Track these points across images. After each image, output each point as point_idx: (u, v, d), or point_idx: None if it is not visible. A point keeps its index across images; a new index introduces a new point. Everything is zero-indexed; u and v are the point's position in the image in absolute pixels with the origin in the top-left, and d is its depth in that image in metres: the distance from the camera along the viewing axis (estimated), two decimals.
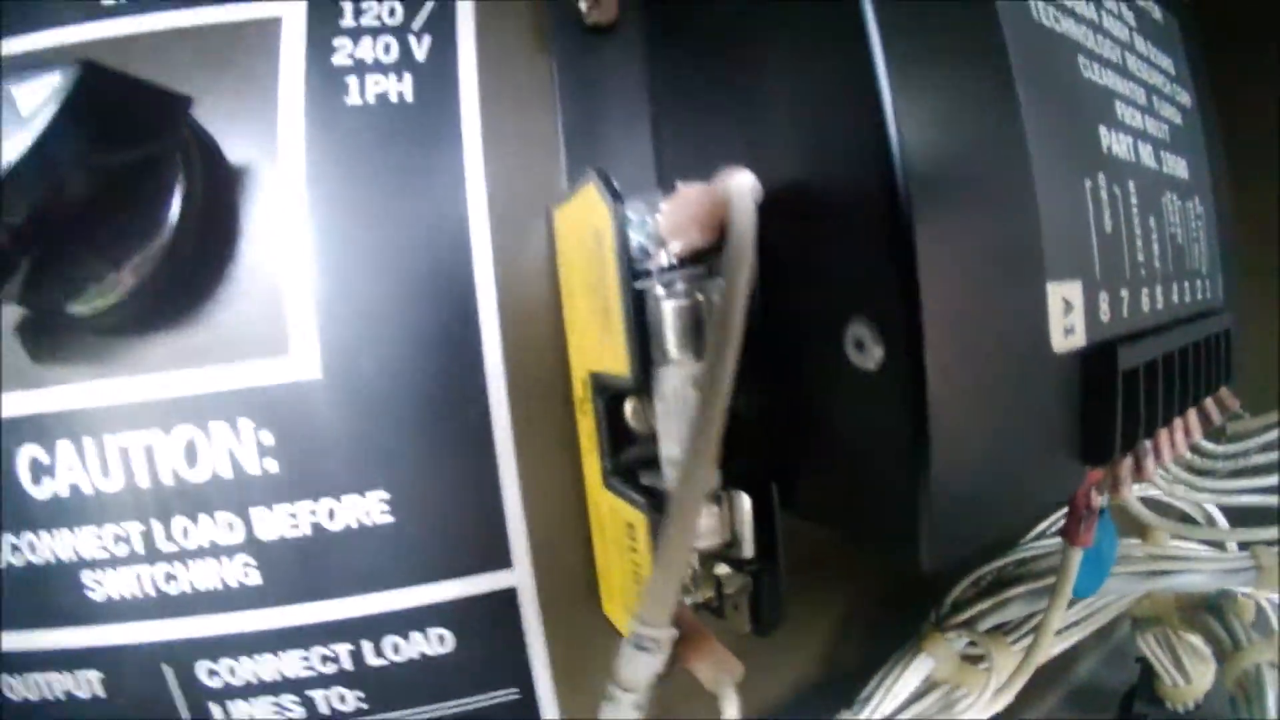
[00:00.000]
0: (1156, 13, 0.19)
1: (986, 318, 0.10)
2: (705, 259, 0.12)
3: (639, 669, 0.10)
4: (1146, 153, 0.16)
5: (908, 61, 0.10)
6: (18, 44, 0.14)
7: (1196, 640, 0.19)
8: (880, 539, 0.11)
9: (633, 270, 0.12)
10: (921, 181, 0.09)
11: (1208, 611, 0.18)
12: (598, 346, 0.13)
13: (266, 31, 0.14)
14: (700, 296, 0.12)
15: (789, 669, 0.17)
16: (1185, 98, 0.20)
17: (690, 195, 0.12)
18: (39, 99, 0.10)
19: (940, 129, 0.10)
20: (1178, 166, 0.18)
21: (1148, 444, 0.15)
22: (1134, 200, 0.15)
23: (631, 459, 0.13)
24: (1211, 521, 0.19)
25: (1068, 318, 0.12)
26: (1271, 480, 0.16)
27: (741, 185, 0.11)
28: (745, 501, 0.12)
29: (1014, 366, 0.11)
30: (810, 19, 0.11)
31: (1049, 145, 0.12)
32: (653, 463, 0.13)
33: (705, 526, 0.12)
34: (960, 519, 0.10)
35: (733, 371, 0.10)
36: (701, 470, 0.10)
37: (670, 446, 0.12)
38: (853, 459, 0.11)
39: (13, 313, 0.13)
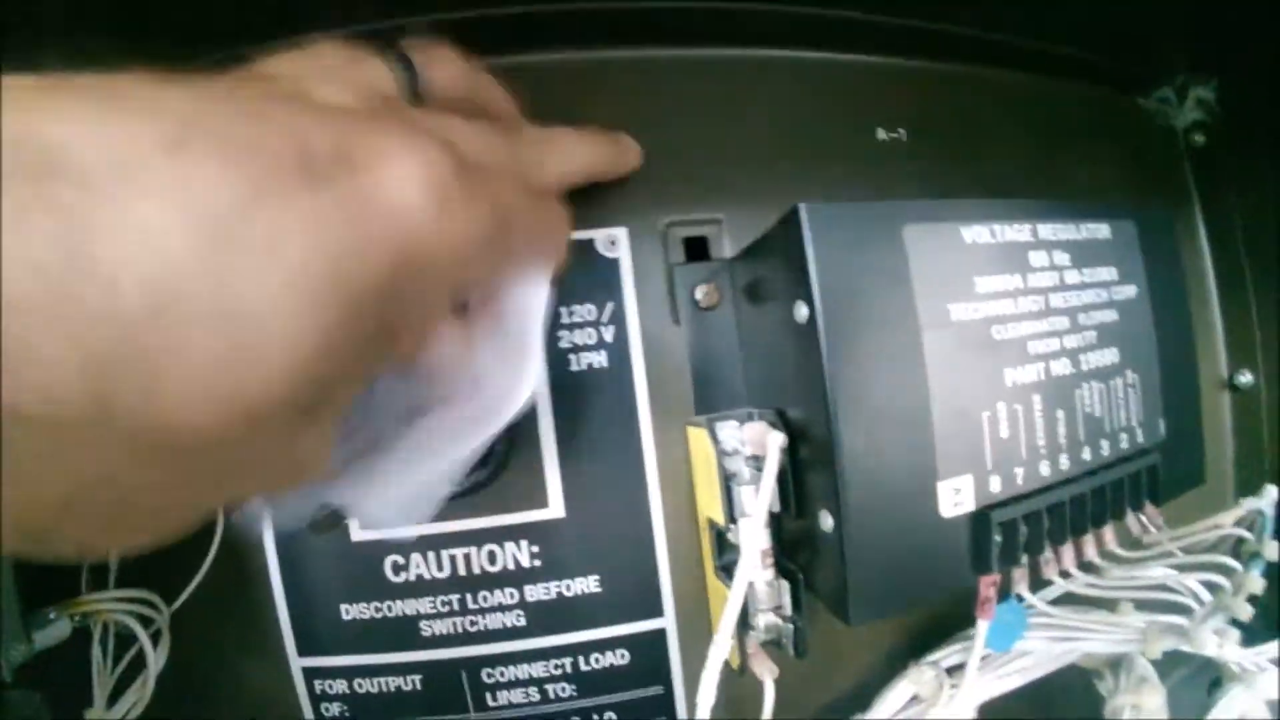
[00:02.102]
0: (1104, 231, 0.32)
1: (892, 503, 0.25)
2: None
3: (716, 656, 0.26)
4: (1060, 366, 0.29)
5: (847, 371, 0.25)
6: None
7: (1145, 676, 0.32)
8: (838, 611, 0.26)
9: (725, 466, 0.29)
10: (850, 445, 0.25)
11: (1109, 665, 0.31)
12: (712, 506, 0.29)
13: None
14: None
15: (833, 690, 0.33)
16: (1129, 291, 0.32)
17: (755, 431, 0.28)
18: None
19: (866, 406, 0.25)
20: (1103, 357, 0.31)
21: (1049, 555, 0.29)
22: (1038, 408, 0.28)
23: (728, 561, 0.30)
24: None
25: (956, 497, 0.26)
26: (1157, 576, 0.29)
27: (773, 441, 0.27)
28: (786, 585, 0.28)
29: (912, 526, 0.25)
30: (795, 340, 0.26)
31: (950, 402, 0.26)
32: None
33: (767, 595, 0.29)
34: (876, 603, 0.26)
35: (763, 525, 0.26)
36: (752, 566, 0.26)
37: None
38: (826, 572, 0.27)
39: None
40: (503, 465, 0.30)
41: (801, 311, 0.25)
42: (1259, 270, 0.43)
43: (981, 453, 0.27)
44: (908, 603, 0.26)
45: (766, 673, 0.28)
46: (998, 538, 0.26)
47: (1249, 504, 0.30)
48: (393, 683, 0.32)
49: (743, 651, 0.28)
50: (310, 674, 0.32)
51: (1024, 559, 0.27)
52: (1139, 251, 0.33)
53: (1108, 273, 0.31)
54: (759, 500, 0.25)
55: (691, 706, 0.29)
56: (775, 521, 0.28)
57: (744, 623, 0.28)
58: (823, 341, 0.24)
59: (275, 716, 0.32)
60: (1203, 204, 0.44)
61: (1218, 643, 0.30)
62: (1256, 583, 0.29)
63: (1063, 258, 0.30)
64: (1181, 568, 0.30)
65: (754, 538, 0.25)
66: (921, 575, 0.26)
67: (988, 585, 0.27)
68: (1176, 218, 0.44)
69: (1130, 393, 0.31)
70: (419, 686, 0.32)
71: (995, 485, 0.27)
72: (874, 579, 0.25)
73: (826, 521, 0.25)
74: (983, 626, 0.27)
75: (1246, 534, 0.30)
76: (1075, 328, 0.30)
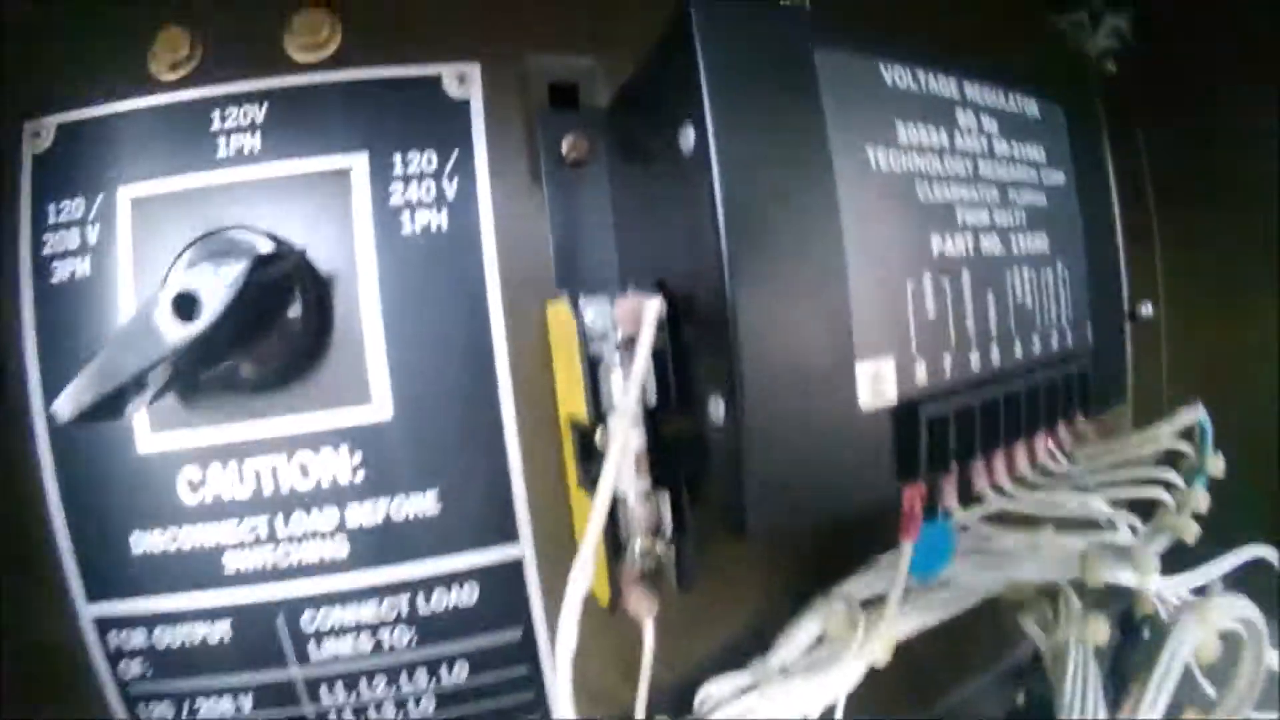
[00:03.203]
0: (1032, 108, 0.26)
1: (798, 387, 0.18)
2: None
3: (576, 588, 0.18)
4: (990, 243, 0.23)
5: (744, 213, 0.17)
6: (153, 187, 0.22)
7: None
8: (730, 519, 0.18)
9: (591, 350, 0.20)
10: (747, 308, 0.17)
11: (1044, 596, 0.25)
12: (575, 401, 0.21)
13: (341, 178, 0.23)
14: None
15: (727, 630, 0.26)
16: (1058, 177, 0.26)
17: (628, 306, 0.20)
18: (230, 276, 0.19)
19: (768, 260, 0.17)
20: (1034, 243, 0.24)
21: (979, 465, 0.23)
22: (966, 285, 0.22)
23: (597, 471, 0.22)
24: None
25: (877, 385, 0.19)
26: (1090, 498, 0.23)
27: (644, 312, 0.19)
28: (666, 497, 0.21)
29: (822, 416, 0.18)
30: (681, 180, 0.19)
31: (869, 264, 0.19)
32: None
33: (642, 514, 0.21)
34: (778, 509, 0.18)
35: (634, 419, 0.18)
36: (611, 490, 0.18)
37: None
38: (716, 473, 0.19)
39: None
40: (310, 351, 0.21)
41: (688, 137, 0.18)
42: (1163, 202, 0.39)
43: (906, 332, 0.20)
44: (817, 512, 0.18)
45: (644, 610, 0.20)
46: (925, 437, 0.19)
47: (1186, 414, 0.24)
48: (199, 632, 0.23)
49: (615, 585, 0.20)
50: (103, 625, 0.23)
51: (954, 465, 0.20)
52: (1066, 138, 0.26)
53: (1037, 152, 0.25)
54: (630, 384, 0.17)
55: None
56: (652, 420, 0.20)
57: (616, 549, 0.20)
58: (715, 171, 0.17)
59: (68, 683, 0.23)
60: (1110, 133, 0.39)
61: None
62: (1201, 499, 0.23)
63: (991, 124, 0.24)
64: (1116, 484, 0.23)
65: (623, 433, 0.17)
66: (834, 479, 0.19)
67: (913, 497, 0.20)
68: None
69: (1060, 288, 0.25)
70: (229, 636, 0.23)
71: (921, 374, 0.20)
72: (775, 478, 0.18)
73: (717, 409, 0.18)
74: (906, 550, 0.20)
75: (1186, 447, 0.24)
76: (1005, 204, 0.23)
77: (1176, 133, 0.38)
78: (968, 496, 0.22)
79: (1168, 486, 0.24)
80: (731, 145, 0.17)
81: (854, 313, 0.19)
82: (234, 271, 0.19)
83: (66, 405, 0.17)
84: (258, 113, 0.23)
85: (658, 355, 0.20)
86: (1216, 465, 0.24)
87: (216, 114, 0.23)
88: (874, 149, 0.20)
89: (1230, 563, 0.27)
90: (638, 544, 0.21)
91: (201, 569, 0.23)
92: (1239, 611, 0.23)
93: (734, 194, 0.17)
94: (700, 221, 0.18)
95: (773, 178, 0.18)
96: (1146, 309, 0.39)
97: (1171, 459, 0.25)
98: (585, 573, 0.17)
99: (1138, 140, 0.39)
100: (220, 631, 0.23)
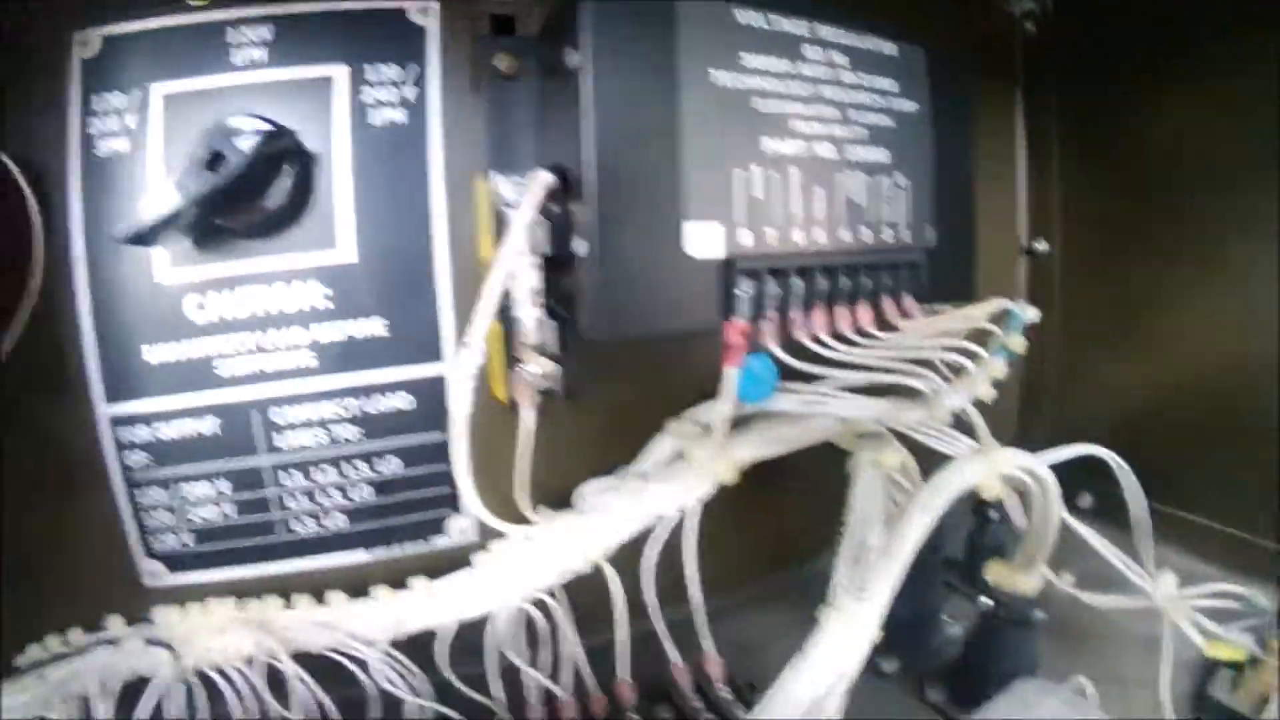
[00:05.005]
0: (889, 48, 0.29)
1: (641, 236, 0.23)
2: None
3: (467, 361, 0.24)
4: (824, 149, 0.27)
5: (607, 112, 0.22)
6: (181, 85, 0.27)
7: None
8: (579, 324, 0.24)
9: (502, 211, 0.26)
10: (603, 175, 0.22)
11: (861, 435, 0.29)
12: (488, 249, 0.26)
13: (326, 83, 0.28)
14: None
15: (607, 450, 0.31)
16: (909, 106, 0.29)
17: (531, 178, 0.25)
18: (247, 144, 0.25)
19: (622, 146, 0.22)
20: (873, 154, 0.28)
21: (797, 317, 0.26)
22: (794, 179, 0.26)
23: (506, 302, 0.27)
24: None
25: (705, 242, 0.24)
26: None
27: (536, 179, 0.24)
28: (555, 327, 0.26)
29: (660, 259, 0.23)
30: (567, 88, 0.23)
31: (704, 154, 0.24)
32: None
33: (535, 329, 0.26)
34: (614, 319, 0.23)
35: (523, 240, 0.23)
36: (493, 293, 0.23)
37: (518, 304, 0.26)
38: (579, 296, 0.24)
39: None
40: (296, 208, 0.27)
41: (573, 58, 0.23)
42: (1065, 153, 0.41)
43: (729, 205, 0.24)
44: (647, 327, 0.23)
45: (526, 398, 0.25)
46: (745, 284, 0.24)
47: (1000, 302, 0.28)
48: (191, 426, 0.28)
49: (511, 386, 0.26)
50: (116, 423, 0.28)
51: (772, 314, 0.25)
52: (925, 76, 0.30)
53: (888, 84, 0.29)
54: (518, 217, 0.23)
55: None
56: (549, 270, 0.25)
57: (511, 362, 0.26)
58: (588, 82, 0.22)
59: (80, 474, 0.28)
60: (1024, 87, 0.41)
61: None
62: (1000, 367, 0.27)
63: (841, 59, 0.28)
64: (930, 349, 0.27)
65: (517, 238, 0.23)
66: (667, 306, 0.24)
67: (733, 332, 0.24)
68: (999, 95, 0.41)
69: (899, 193, 0.29)
70: (216, 430, 0.28)
71: (746, 239, 0.25)
72: (615, 297, 0.23)
73: (581, 248, 0.23)
74: (730, 374, 0.25)
75: (994, 328, 0.27)
76: (845, 121, 0.27)
77: (1084, 90, 0.39)
78: (791, 345, 0.26)
79: (973, 356, 0.27)
80: (601, 65, 0.23)
81: (686, 187, 0.23)
82: (250, 141, 0.25)
83: (122, 229, 0.23)
84: (266, 33, 0.28)
85: (553, 216, 0.25)
86: (1018, 343, 0.28)
87: (231, 32, 0.27)
88: (717, 71, 0.24)
89: (1064, 454, 0.28)
90: (533, 366, 0.26)
91: (199, 374, 0.28)
92: (1025, 462, 0.27)
93: (600, 98, 0.22)
94: (576, 116, 0.23)
95: (631, 89, 0.23)
96: (1042, 245, 0.42)
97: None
98: (479, 338, 0.23)
99: (1050, 101, 0.41)
100: (208, 425, 0.28)
